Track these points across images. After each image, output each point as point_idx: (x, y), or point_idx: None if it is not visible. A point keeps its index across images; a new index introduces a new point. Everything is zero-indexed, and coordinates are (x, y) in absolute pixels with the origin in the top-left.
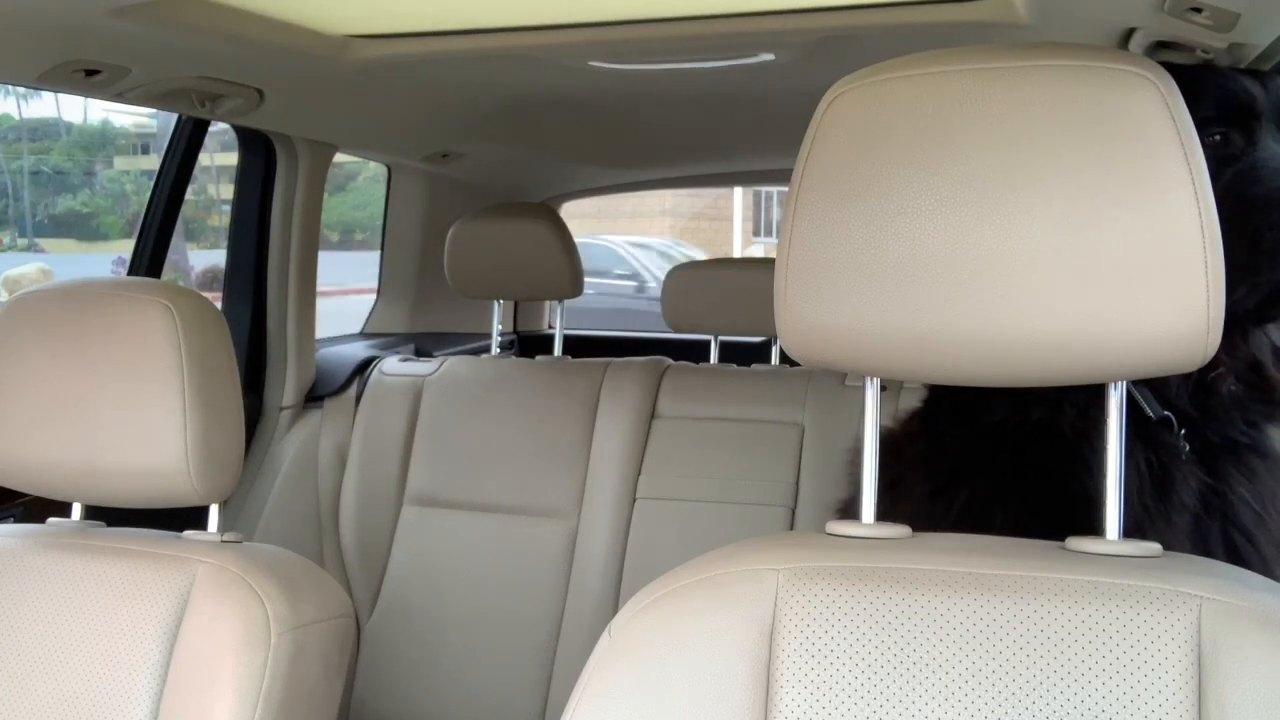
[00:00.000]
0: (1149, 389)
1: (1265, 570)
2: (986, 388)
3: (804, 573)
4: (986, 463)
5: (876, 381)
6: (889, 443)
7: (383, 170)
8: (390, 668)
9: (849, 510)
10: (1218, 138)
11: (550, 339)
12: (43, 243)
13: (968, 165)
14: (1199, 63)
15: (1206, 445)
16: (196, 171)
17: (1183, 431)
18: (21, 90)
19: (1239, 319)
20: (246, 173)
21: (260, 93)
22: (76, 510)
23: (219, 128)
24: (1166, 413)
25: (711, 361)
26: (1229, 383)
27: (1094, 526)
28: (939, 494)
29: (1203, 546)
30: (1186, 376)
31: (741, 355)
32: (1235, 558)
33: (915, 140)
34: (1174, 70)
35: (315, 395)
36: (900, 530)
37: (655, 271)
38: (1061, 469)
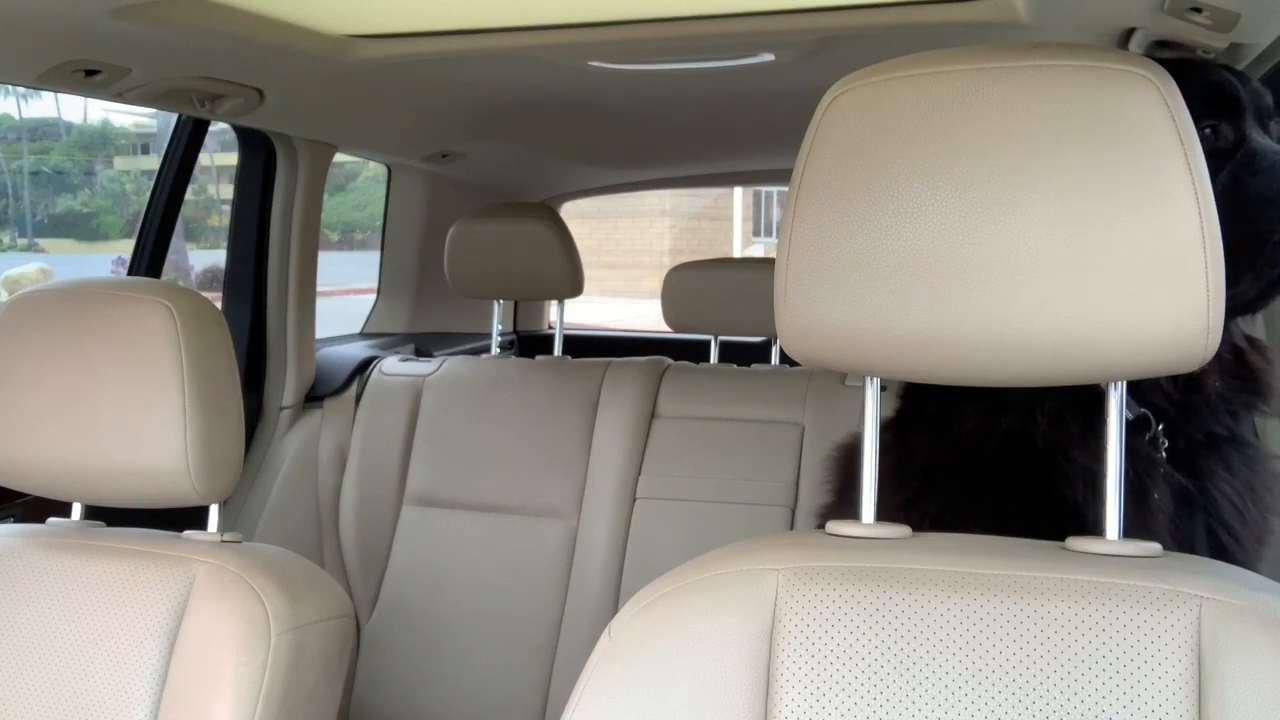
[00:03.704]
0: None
1: (1248, 562)
2: (958, 396)
3: (804, 573)
4: (957, 472)
5: (876, 381)
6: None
7: (383, 170)
8: (390, 668)
9: (831, 515)
10: (1209, 130)
11: (550, 339)
12: (43, 243)
13: (968, 165)
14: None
15: (1185, 441)
16: (196, 171)
17: (1160, 427)
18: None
19: (1235, 310)
20: (246, 173)
21: (260, 93)
22: (76, 510)
23: (219, 128)
24: (1143, 410)
25: (711, 361)
26: (1214, 379)
27: (1070, 535)
28: (911, 505)
29: (1186, 544)
30: (1173, 376)
31: (741, 355)
32: (1219, 553)
33: (915, 140)
34: (1160, 64)
35: (315, 395)
36: (900, 530)
37: None
38: (1033, 478)
